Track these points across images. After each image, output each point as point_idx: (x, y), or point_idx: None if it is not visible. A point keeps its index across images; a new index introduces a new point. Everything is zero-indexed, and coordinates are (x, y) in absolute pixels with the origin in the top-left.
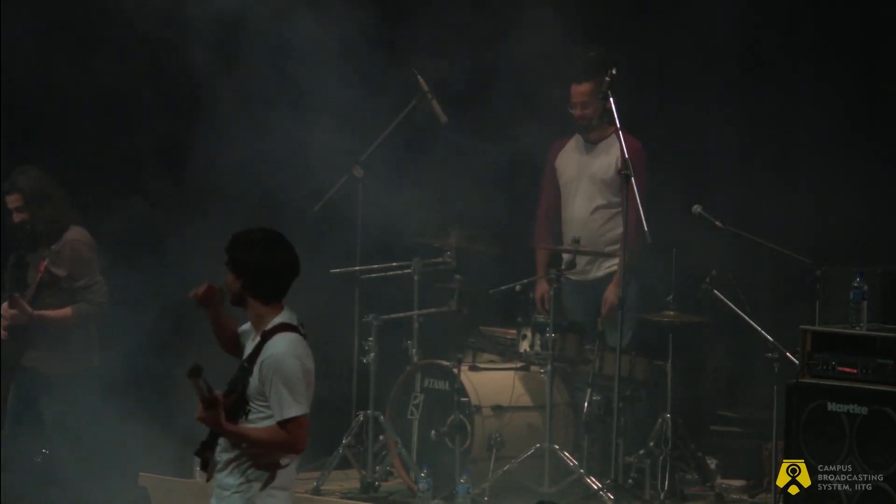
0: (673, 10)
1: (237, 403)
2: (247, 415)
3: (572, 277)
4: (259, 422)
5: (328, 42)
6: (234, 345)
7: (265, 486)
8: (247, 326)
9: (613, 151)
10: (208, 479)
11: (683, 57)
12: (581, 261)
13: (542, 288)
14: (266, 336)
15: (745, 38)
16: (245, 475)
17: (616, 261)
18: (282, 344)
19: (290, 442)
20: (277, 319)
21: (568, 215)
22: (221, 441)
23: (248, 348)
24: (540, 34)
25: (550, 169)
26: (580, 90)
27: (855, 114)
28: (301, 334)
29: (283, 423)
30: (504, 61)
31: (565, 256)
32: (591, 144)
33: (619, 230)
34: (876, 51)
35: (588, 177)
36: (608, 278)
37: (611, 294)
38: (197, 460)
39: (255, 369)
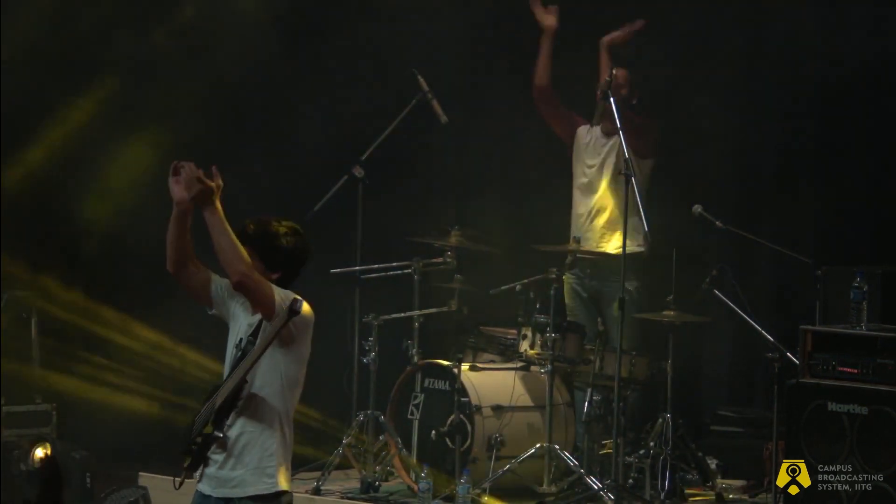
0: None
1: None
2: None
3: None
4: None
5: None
6: (185, 265)
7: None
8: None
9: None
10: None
11: (683, 55)
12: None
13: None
14: None
15: (747, 34)
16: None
17: None
18: None
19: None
20: None
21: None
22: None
23: (246, 321)
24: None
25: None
26: (623, 73)
27: (855, 113)
28: None
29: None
30: (506, 59)
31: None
32: (606, 137)
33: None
34: (878, 52)
35: (608, 167)
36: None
37: None
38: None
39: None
